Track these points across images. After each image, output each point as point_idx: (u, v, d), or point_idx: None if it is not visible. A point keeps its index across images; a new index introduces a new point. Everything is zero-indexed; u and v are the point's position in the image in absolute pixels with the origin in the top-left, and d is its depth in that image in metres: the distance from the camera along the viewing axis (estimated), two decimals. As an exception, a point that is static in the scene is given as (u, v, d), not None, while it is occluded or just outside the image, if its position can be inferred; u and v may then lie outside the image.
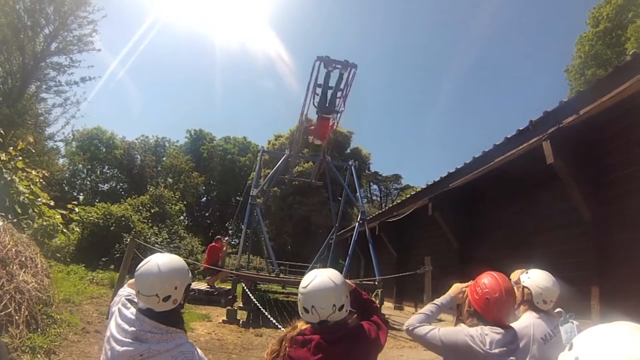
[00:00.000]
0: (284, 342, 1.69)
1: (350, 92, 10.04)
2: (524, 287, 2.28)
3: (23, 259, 4.78)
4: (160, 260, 1.61)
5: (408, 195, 13.37)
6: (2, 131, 7.92)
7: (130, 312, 1.60)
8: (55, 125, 21.53)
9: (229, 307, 8.06)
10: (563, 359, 0.85)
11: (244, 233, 12.34)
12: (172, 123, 67.63)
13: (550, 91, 52.03)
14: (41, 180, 7.55)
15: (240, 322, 7.64)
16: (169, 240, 15.78)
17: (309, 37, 68.33)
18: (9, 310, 3.92)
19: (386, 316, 8.94)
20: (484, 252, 8.19)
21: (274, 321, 6.21)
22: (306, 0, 64.80)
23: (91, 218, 13.16)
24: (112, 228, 13.23)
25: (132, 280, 1.73)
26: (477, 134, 64.87)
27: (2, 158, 6.57)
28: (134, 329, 1.53)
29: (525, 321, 2.19)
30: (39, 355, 3.92)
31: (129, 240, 7.73)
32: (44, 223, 7.36)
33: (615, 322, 0.81)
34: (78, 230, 12.03)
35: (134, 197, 19.77)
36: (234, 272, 9.59)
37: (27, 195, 6.88)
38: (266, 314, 6.60)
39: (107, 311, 4.82)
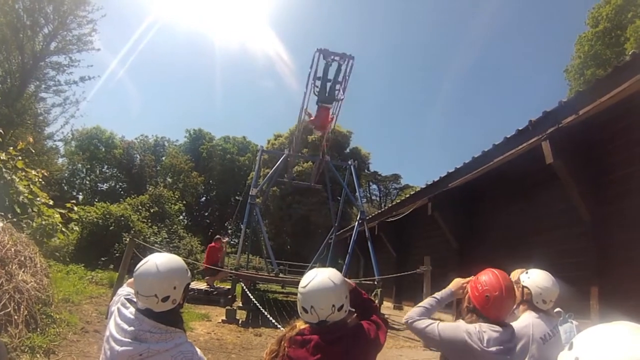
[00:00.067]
0: (283, 342, 1.68)
1: (349, 84, 10.57)
2: (523, 286, 2.28)
3: (22, 258, 4.78)
4: (159, 260, 1.61)
5: (407, 195, 13.38)
6: (1, 131, 7.92)
7: (130, 311, 1.60)
8: (55, 125, 21.58)
9: (228, 307, 8.07)
10: (563, 359, 0.85)
11: (243, 233, 12.35)
12: (172, 123, 67.77)
13: (549, 91, 52.14)
14: (40, 180, 7.55)
15: (240, 322, 7.65)
16: (168, 240, 15.78)
17: (308, 37, 68.28)
18: (8, 309, 3.91)
19: (385, 316, 8.93)
20: (484, 251, 8.19)
21: (273, 321, 6.22)
22: (306, 0, 64.81)
23: (90, 218, 13.15)
24: (111, 228, 13.23)
25: (132, 280, 1.73)
26: (477, 134, 64.96)
27: (2, 158, 6.56)
28: (133, 328, 1.53)
29: (525, 321, 2.19)
30: (38, 355, 3.92)
31: (128, 239, 7.72)
32: (43, 222, 7.35)
33: (615, 322, 0.81)
34: (77, 229, 12.02)
35: (133, 196, 19.78)
36: (233, 271, 9.60)
37: (26, 195, 6.87)
38: (265, 313, 6.60)
39: (106, 311, 4.83)
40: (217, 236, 11.28)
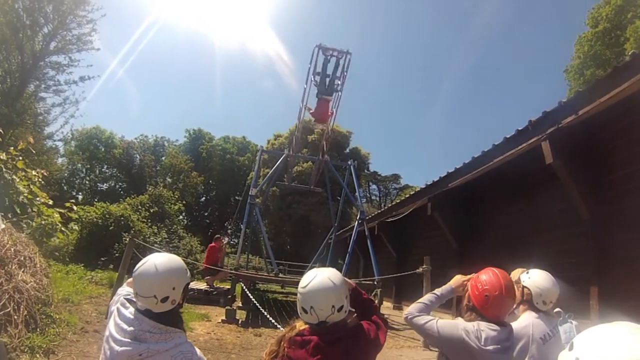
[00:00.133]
0: (282, 343, 1.68)
1: (347, 79, 11.07)
2: (524, 287, 2.28)
3: (22, 258, 4.78)
4: (158, 261, 1.60)
5: (407, 195, 13.38)
6: (1, 131, 7.91)
7: (129, 311, 1.59)
8: (54, 125, 21.58)
9: (228, 307, 8.06)
10: (563, 359, 0.85)
11: (243, 233, 12.36)
12: (172, 122, 67.77)
13: (549, 91, 52.12)
14: (40, 180, 7.54)
15: (240, 322, 7.64)
16: (168, 239, 15.76)
17: (308, 37, 68.32)
18: (8, 309, 3.91)
19: (385, 316, 8.93)
20: (483, 251, 8.19)
21: (273, 321, 6.22)
22: (306, 0, 64.81)
23: (90, 218, 13.14)
24: (111, 228, 13.22)
25: (132, 279, 1.72)
26: (477, 134, 64.97)
27: (2, 158, 6.56)
28: (133, 328, 1.53)
29: (525, 321, 2.19)
30: (37, 355, 3.92)
31: (128, 239, 7.72)
32: (43, 222, 7.35)
33: (615, 322, 0.81)
34: (77, 229, 12.01)
35: (133, 196, 19.78)
36: (233, 271, 9.60)
37: (26, 195, 6.87)
38: (265, 313, 6.60)
39: (106, 311, 4.83)
40: (217, 236, 11.28)
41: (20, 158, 6.99)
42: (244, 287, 8.58)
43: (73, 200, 9.08)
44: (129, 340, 1.50)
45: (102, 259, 11.99)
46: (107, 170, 37.52)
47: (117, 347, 1.50)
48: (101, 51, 21.88)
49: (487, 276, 1.86)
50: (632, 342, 0.74)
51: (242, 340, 6.32)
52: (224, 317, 7.69)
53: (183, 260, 1.77)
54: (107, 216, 13.50)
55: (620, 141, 5.45)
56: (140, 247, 8.75)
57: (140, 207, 16.93)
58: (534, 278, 2.28)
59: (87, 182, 36.69)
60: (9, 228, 5.13)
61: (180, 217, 24.39)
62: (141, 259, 1.65)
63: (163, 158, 39.61)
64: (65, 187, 32.93)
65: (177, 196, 22.40)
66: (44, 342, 4.14)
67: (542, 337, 2.12)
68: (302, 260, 20.21)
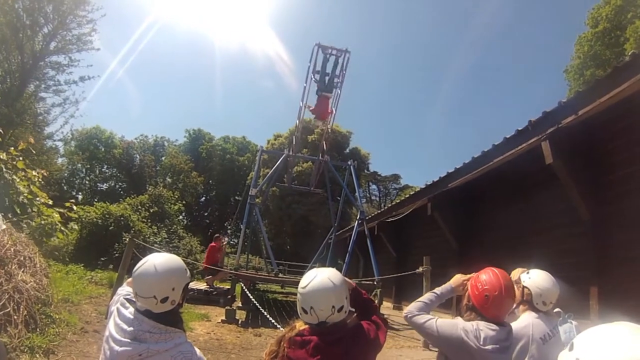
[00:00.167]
0: (282, 343, 1.68)
1: (346, 77, 11.27)
2: (524, 287, 2.28)
3: (22, 258, 4.78)
4: (157, 261, 1.60)
5: (407, 195, 13.37)
6: (1, 131, 7.91)
7: (129, 311, 1.59)
8: (54, 125, 21.62)
9: (228, 307, 8.06)
10: (563, 359, 0.85)
11: (242, 233, 12.35)
12: (171, 122, 67.76)
13: (549, 91, 52.18)
14: (40, 180, 7.54)
15: (239, 322, 7.64)
16: (168, 239, 15.75)
17: (308, 37, 68.41)
18: (8, 309, 3.91)
19: (385, 316, 8.93)
20: (483, 252, 8.19)
21: (273, 321, 6.21)
22: (306, 0, 64.81)
23: (90, 218, 13.14)
24: (111, 228, 13.21)
25: (131, 279, 1.73)
26: (476, 134, 65.02)
27: (2, 158, 6.56)
28: (133, 328, 1.53)
29: (524, 321, 2.19)
30: (37, 355, 3.92)
31: (127, 239, 7.71)
32: (42, 222, 7.35)
33: (616, 323, 0.81)
34: (77, 228, 12.00)
35: (133, 196, 19.76)
36: (233, 271, 9.59)
37: (26, 195, 6.87)
38: (265, 313, 6.60)
39: (105, 311, 4.83)
40: (217, 235, 11.29)
41: (21, 158, 6.99)
42: (244, 287, 8.57)
43: (73, 200, 9.08)
44: (129, 340, 1.50)
45: (102, 259, 11.98)
46: (107, 170, 37.52)
47: (117, 347, 1.50)
48: (101, 51, 21.95)
49: (487, 276, 1.86)
50: (632, 342, 0.74)
51: (242, 341, 6.32)
52: (223, 317, 7.69)
53: (183, 260, 1.77)
54: (107, 216, 13.49)
55: (620, 141, 5.45)
56: (140, 247, 8.75)
57: (140, 207, 16.92)
58: (534, 278, 2.28)
59: (87, 182, 36.69)
60: (9, 228, 5.13)
61: (180, 217, 24.39)
62: (141, 259, 1.65)
63: (163, 158, 39.60)
64: (65, 187, 32.94)
65: (177, 196, 22.40)
66: (43, 342, 4.14)
67: (542, 337, 2.12)
68: (302, 261, 20.20)
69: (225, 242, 11.79)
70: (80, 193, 35.10)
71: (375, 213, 15.69)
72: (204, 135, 41.17)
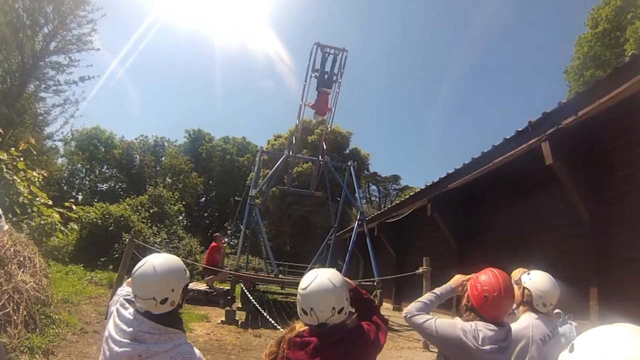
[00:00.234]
0: (282, 344, 1.68)
1: (344, 76, 11.52)
2: (524, 288, 2.28)
3: (21, 258, 4.77)
4: (156, 262, 1.59)
5: (407, 196, 13.37)
6: (1, 131, 7.91)
7: (129, 312, 1.59)
8: (54, 125, 21.66)
9: (227, 308, 8.05)
10: (563, 360, 0.85)
11: (242, 233, 12.33)
12: (171, 123, 67.74)
13: (549, 92, 52.30)
14: (40, 181, 7.54)
15: (239, 323, 7.63)
16: (167, 240, 15.74)
17: (308, 37, 68.47)
18: (7, 310, 3.91)
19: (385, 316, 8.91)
20: (483, 252, 8.19)
21: (273, 322, 6.21)
22: (306, 0, 64.86)
23: (90, 218, 13.13)
24: (110, 228, 13.20)
25: (131, 279, 1.72)
26: (477, 134, 65.10)
27: (2, 158, 6.55)
28: (132, 329, 1.53)
29: (524, 322, 2.19)
30: (37, 356, 3.91)
31: (127, 240, 7.71)
32: (42, 222, 7.34)
33: (615, 324, 0.81)
34: (76, 228, 11.99)
35: (132, 197, 19.74)
36: (232, 272, 9.59)
37: (26, 195, 6.86)
38: (265, 314, 6.59)
39: (105, 311, 4.82)
40: (217, 234, 11.31)
41: (22, 159, 6.98)
42: (244, 288, 8.56)
43: (72, 200, 9.07)
44: (129, 341, 1.50)
45: (102, 259, 11.96)
46: (107, 171, 37.51)
47: (116, 348, 1.50)
48: (101, 51, 21.99)
49: (486, 277, 1.87)
50: (632, 343, 0.74)
51: (242, 341, 6.31)
52: (223, 318, 7.68)
53: (182, 260, 1.76)
54: (106, 216, 13.47)
55: (620, 142, 5.45)
56: (140, 248, 8.75)
57: (140, 207, 16.91)
58: (535, 280, 2.27)
59: (86, 182, 36.67)
60: (9, 228, 5.12)
61: (180, 217, 24.39)
62: (141, 260, 1.65)
63: (163, 158, 39.57)
64: (65, 188, 32.93)
65: (176, 197, 22.40)
66: (43, 342, 4.14)
67: (542, 338, 2.12)
68: (301, 261, 20.19)
69: (225, 242, 11.78)
70: (80, 193, 35.10)
71: (375, 214, 15.68)
72: (204, 136, 41.16)
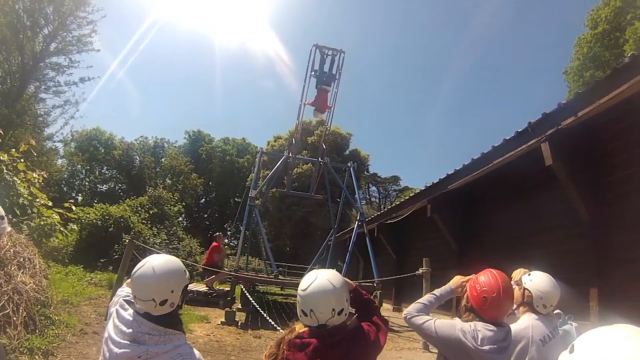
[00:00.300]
0: (282, 345, 1.67)
1: (343, 77, 11.68)
2: (525, 288, 2.28)
3: (21, 259, 4.77)
4: (156, 263, 1.59)
5: (407, 197, 13.38)
6: (1, 132, 7.90)
7: (128, 313, 1.59)
8: (54, 126, 21.70)
9: (227, 309, 8.05)
10: (563, 361, 0.85)
11: (242, 234, 12.33)
12: (171, 124, 67.70)
13: (548, 93, 52.34)
14: (40, 182, 7.54)
15: (239, 324, 7.62)
16: (167, 241, 15.73)
17: (308, 37, 68.63)
18: (7, 311, 3.90)
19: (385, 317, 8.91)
20: (483, 253, 8.19)
21: (273, 323, 6.20)
22: (306, 0, 64.93)
23: (90, 219, 13.12)
24: (110, 229, 13.19)
25: (130, 281, 1.72)
26: (476, 134, 65.12)
27: (2, 159, 6.55)
28: (132, 330, 1.52)
29: (524, 322, 2.19)
30: (37, 357, 3.91)
31: (127, 241, 7.71)
32: (42, 223, 7.34)
33: (615, 325, 0.81)
34: (76, 229, 11.99)
35: (132, 198, 19.71)
36: (232, 273, 9.58)
37: (26, 196, 6.87)
38: (265, 315, 6.59)
39: (105, 312, 4.82)
40: (217, 233, 11.26)
41: (22, 160, 6.98)
42: (244, 289, 8.56)
43: (72, 201, 9.07)
44: (128, 342, 1.50)
45: (102, 260, 11.95)
46: (106, 172, 37.48)
47: (116, 349, 1.50)
48: (101, 52, 22.00)
49: (485, 277, 1.87)
50: (632, 344, 0.74)
51: (242, 342, 6.30)
52: (223, 319, 7.67)
53: (182, 261, 1.75)
54: (106, 217, 13.46)
55: (620, 143, 5.46)
56: (140, 249, 8.74)
57: (139, 208, 16.89)
58: (536, 280, 2.28)
59: (86, 183, 36.66)
60: (10, 230, 5.12)
61: (180, 218, 24.40)
62: (140, 261, 1.64)
63: (163, 159, 39.56)
64: (65, 188, 32.91)
65: (176, 198, 22.39)
66: (43, 343, 4.13)
67: (542, 338, 2.12)
68: (301, 262, 20.18)
69: (225, 243, 11.77)
70: (80, 194, 35.07)
71: (375, 215, 15.69)
72: (204, 137, 41.16)
